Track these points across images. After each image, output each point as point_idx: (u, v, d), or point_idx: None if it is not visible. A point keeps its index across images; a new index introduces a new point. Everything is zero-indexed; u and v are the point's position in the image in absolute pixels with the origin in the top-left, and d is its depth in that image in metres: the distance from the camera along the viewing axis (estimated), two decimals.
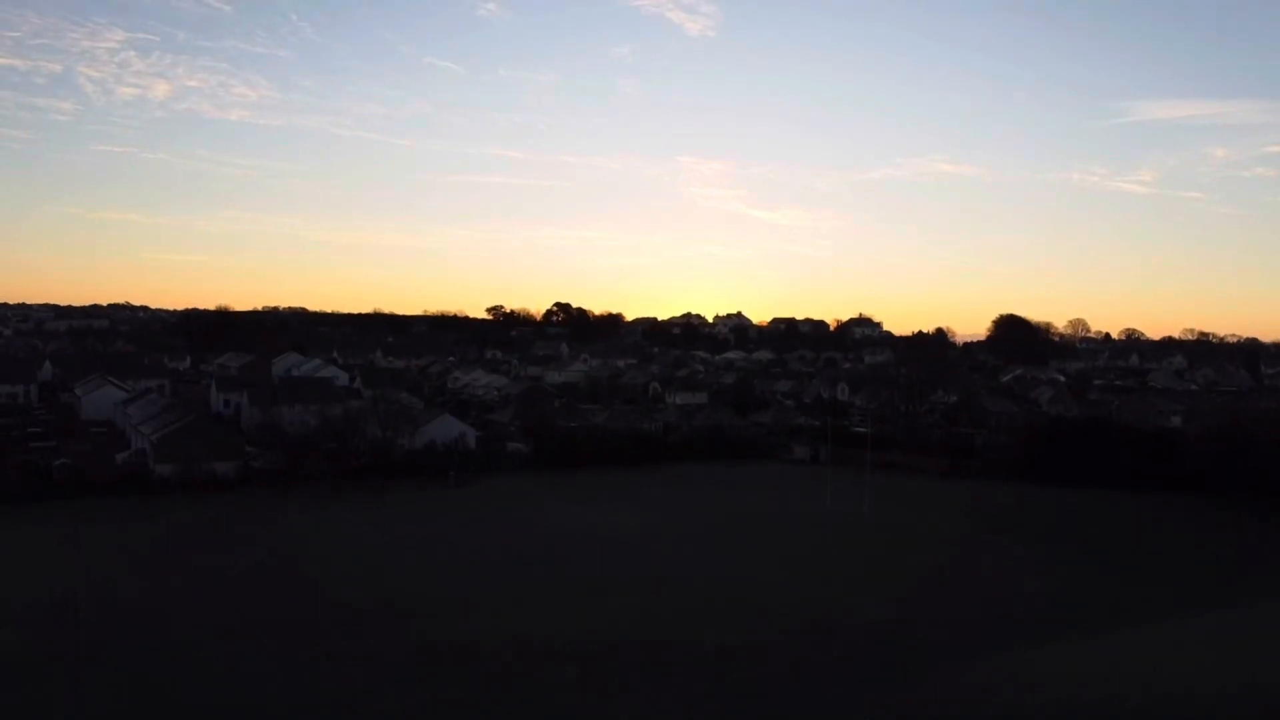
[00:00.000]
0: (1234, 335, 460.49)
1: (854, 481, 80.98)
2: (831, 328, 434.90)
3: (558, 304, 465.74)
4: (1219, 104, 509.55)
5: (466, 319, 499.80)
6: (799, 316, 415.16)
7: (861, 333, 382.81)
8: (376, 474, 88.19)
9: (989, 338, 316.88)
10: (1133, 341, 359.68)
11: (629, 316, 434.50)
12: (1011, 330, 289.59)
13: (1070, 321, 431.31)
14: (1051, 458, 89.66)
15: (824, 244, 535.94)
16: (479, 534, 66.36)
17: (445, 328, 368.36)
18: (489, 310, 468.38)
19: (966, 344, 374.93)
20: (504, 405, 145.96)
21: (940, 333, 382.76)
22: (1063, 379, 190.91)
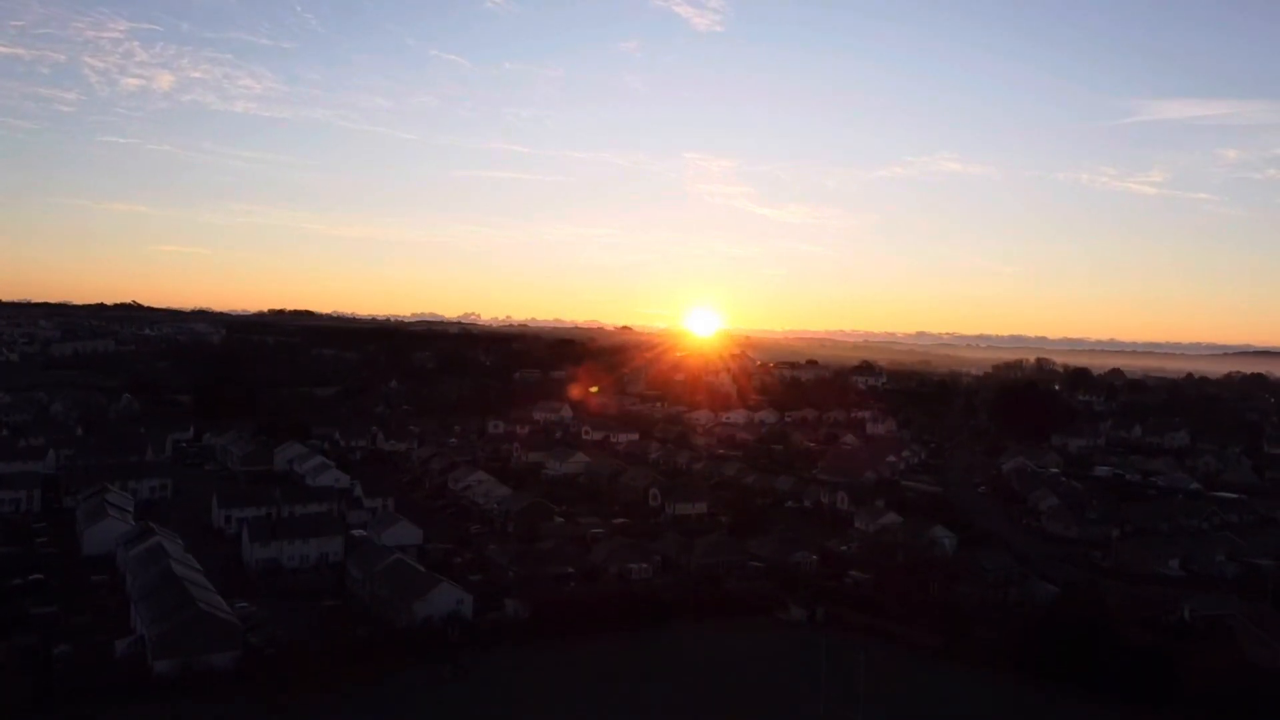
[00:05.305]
0: (1237, 372, 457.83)
1: (849, 662, 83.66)
2: (834, 373, 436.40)
3: (562, 341, 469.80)
4: (1231, 104, 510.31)
5: (474, 335, 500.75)
6: (808, 318, 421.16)
7: (865, 382, 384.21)
8: (375, 655, 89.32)
9: (993, 403, 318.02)
10: (1135, 403, 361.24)
11: (636, 323, 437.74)
12: (1015, 403, 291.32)
13: (1070, 373, 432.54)
14: (1047, 656, 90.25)
15: (830, 242, 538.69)
16: None
17: (451, 370, 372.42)
18: (493, 346, 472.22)
19: (968, 392, 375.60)
20: (505, 519, 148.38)
21: (942, 384, 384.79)
22: (1063, 479, 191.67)
